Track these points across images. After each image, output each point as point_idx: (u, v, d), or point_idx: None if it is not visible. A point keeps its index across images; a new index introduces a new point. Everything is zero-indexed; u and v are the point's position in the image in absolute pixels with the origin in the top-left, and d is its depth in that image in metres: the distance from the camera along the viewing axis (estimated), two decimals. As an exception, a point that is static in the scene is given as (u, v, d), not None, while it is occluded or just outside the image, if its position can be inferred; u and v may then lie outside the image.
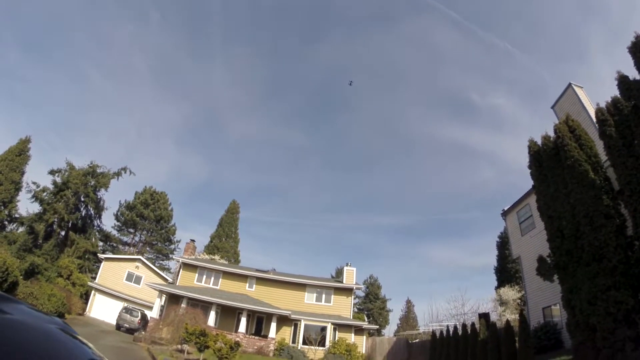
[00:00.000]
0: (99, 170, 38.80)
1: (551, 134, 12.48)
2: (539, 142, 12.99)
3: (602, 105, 10.57)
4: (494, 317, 25.95)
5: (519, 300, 28.84)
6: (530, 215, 18.60)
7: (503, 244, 38.66)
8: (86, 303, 32.85)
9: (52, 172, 36.28)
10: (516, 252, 20.55)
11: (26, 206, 40.17)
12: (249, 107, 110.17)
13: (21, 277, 20.23)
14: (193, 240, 32.99)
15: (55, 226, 35.58)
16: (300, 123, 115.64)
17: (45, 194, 35.49)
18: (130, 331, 25.92)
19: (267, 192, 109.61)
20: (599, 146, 11.24)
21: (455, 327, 20.00)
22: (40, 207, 35.06)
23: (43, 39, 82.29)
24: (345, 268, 30.99)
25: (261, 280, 29.00)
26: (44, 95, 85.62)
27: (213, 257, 41.41)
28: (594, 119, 11.70)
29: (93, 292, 33.67)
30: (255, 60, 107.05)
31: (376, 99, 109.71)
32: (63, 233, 36.65)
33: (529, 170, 13.65)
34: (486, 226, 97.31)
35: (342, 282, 30.10)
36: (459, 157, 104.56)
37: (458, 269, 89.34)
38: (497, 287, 35.91)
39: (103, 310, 33.10)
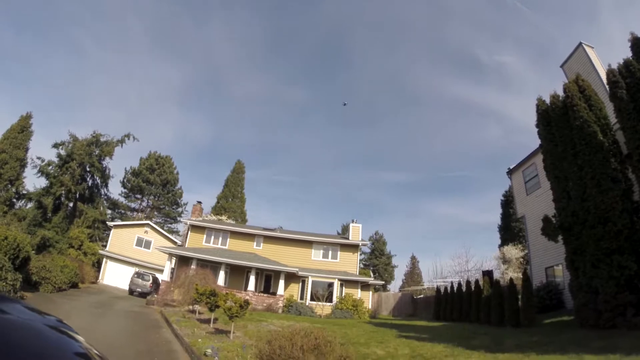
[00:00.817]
0: (102, 139, 38.74)
1: (560, 93, 12.11)
2: (548, 101, 12.63)
3: (614, 66, 10.11)
4: (496, 275, 26.47)
5: (521, 259, 29.27)
6: (536, 175, 18.43)
7: (507, 203, 38.80)
8: (99, 271, 33.82)
9: (55, 146, 36.42)
10: (521, 211, 20.55)
11: (33, 182, 40.63)
12: (251, 65, 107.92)
13: (33, 252, 20.87)
14: (200, 202, 33.27)
15: (63, 198, 36.04)
16: (304, 80, 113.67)
17: (50, 167, 35.73)
18: (143, 295, 26.69)
19: (272, 151, 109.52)
20: (609, 109, 10.94)
21: (460, 284, 20.47)
22: (47, 181, 35.43)
23: (35, 15, 79.42)
24: (350, 225, 31.23)
25: (268, 239, 29.47)
26: (41, 70, 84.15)
27: (220, 218, 41.95)
28: (605, 81, 11.32)
29: (105, 259, 34.51)
30: (255, 15, 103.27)
31: (381, 54, 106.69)
32: (71, 204, 37.18)
33: (536, 130, 13.36)
34: (491, 185, 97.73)
35: (348, 238, 30.41)
36: (466, 115, 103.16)
37: (463, 226, 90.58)
38: (501, 245, 36.21)
39: (115, 276, 34.00)
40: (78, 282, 23.87)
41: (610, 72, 10.14)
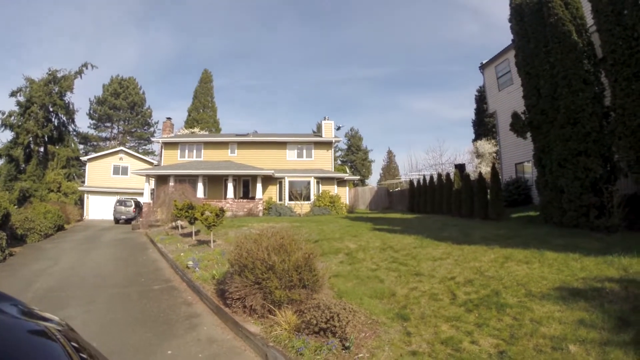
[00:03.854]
0: (59, 75, 36.18)
1: None
2: None
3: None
4: (470, 169, 27.44)
5: (494, 154, 30.05)
6: (509, 71, 18.13)
7: (481, 98, 38.82)
8: (82, 208, 33.75)
9: (13, 94, 34.31)
10: (492, 107, 20.54)
11: (-1, 137, 38.78)
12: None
13: (15, 206, 20.73)
14: (169, 118, 31.99)
15: (32, 145, 34.93)
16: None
17: (12, 118, 34.06)
18: (129, 221, 27.02)
19: (242, 55, 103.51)
20: (586, 10, 10.45)
21: (432, 177, 21.13)
22: (12, 132, 34.01)
23: None
24: (323, 122, 31.06)
25: (242, 145, 29.25)
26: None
27: (193, 131, 41.08)
28: None
29: (86, 195, 34.37)
30: None
31: None
32: (42, 149, 36.00)
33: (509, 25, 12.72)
34: (467, 80, 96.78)
35: (321, 136, 30.42)
36: (442, 8, 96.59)
37: (438, 121, 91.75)
38: (474, 140, 37.04)
39: (100, 209, 34.17)
40: (63, 224, 23.81)
41: (590, -30, 9.41)
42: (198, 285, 8.02)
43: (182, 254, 11.59)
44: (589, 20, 10.50)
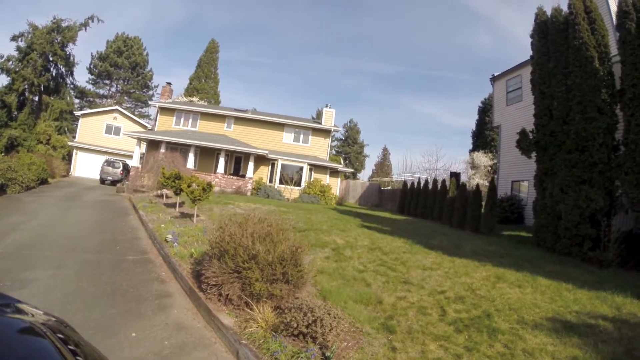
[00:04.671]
0: (63, 25, 34.63)
1: (564, 9, 11.09)
2: (548, 13, 11.62)
3: (628, -3, 9.08)
4: (463, 179, 27.20)
5: (489, 167, 29.95)
6: (520, 87, 17.92)
7: (484, 110, 38.89)
8: (70, 164, 32.82)
9: (14, 38, 32.77)
10: (497, 121, 20.31)
11: (-7, 81, 37.41)
12: None
13: (2, 154, 20.24)
14: (169, 83, 31.06)
15: (27, 93, 33.56)
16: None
17: (10, 62, 32.51)
18: (114, 183, 26.35)
19: (251, 31, 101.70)
20: (611, 40, 10.30)
21: (427, 181, 20.89)
22: (8, 78, 32.61)
23: None
24: (324, 109, 30.30)
25: (240, 120, 28.55)
26: None
27: (192, 99, 40.12)
28: (613, 10, 10.68)
29: (75, 151, 33.41)
30: None
31: None
32: (36, 98, 34.67)
33: (528, 44, 12.53)
34: (473, 90, 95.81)
35: (320, 123, 29.78)
36: (458, 14, 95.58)
37: (438, 126, 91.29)
38: (472, 151, 36.92)
39: (87, 167, 33.29)
40: (47, 178, 23.14)
41: (622, 1, 9.19)
42: (174, 262, 7.60)
43: (162, 225, 11.12)
44: (613, 49, 10.32)
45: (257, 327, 4.59)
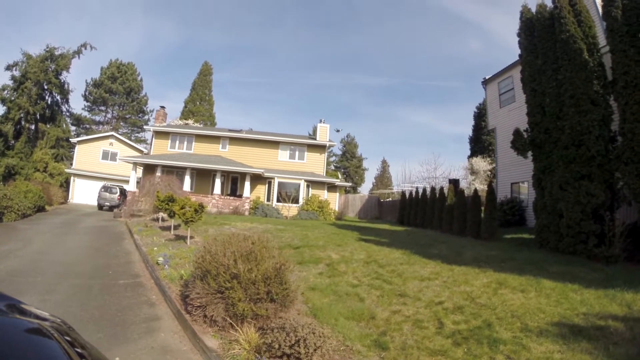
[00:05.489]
0: (57, 53, 35.24)
1: (548, 4, 11.02)
2: (533, 10, 11.58)
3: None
4: (463, 185, 26.99)
5: (489, 172, 29.73)
6: (512, 88, 17.75)
7: (480, 115, 38.95)
8: (67, 191, 32.73)
9: (8, 68, 33.32)
10: (492, 124, 20.10)
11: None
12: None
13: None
14: (163, 107, 31.06)
15: (23, 122, 33.99)
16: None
17: (5, 92, 33.04)
18: (112, 209, 26.03)
19: (244, 51, 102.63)
20: (599, 31, 10.23)
21: (425, 190, 20.56)
22: (4, 107, 33.01)
23: None
24: (318, 125, 30.09)
25: (234, 140, 28.41)
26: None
27: (187, 122, 40.26)
28: (598, 1, 10.61)
29: (72, 178, 33.33)
30: None
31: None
32: (32, 127, 35.07)
33: (516, 46, 12.45)
34: (466, 97, 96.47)
35: (315, 139, 29.63)
36: (447, 23, 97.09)
37: (434, 135, 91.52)
38: (470, 157, 36.79)
39: (85, 194, 33.13)
40: (45, 205, 22.94)
41: (607, -11, 9.09)
42: (164, 284, 7.37)
43: (155, 248, 10.91)
44: (601, 40, 10.14)
45: (240, 349, 4.29)
